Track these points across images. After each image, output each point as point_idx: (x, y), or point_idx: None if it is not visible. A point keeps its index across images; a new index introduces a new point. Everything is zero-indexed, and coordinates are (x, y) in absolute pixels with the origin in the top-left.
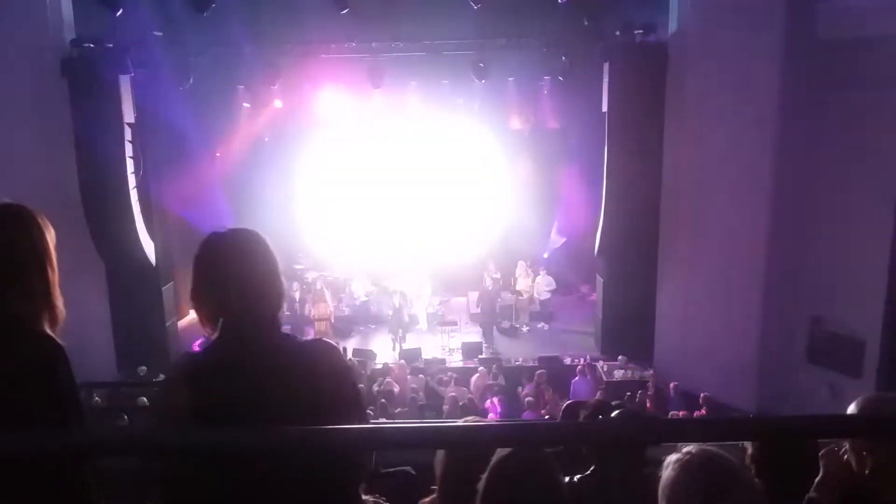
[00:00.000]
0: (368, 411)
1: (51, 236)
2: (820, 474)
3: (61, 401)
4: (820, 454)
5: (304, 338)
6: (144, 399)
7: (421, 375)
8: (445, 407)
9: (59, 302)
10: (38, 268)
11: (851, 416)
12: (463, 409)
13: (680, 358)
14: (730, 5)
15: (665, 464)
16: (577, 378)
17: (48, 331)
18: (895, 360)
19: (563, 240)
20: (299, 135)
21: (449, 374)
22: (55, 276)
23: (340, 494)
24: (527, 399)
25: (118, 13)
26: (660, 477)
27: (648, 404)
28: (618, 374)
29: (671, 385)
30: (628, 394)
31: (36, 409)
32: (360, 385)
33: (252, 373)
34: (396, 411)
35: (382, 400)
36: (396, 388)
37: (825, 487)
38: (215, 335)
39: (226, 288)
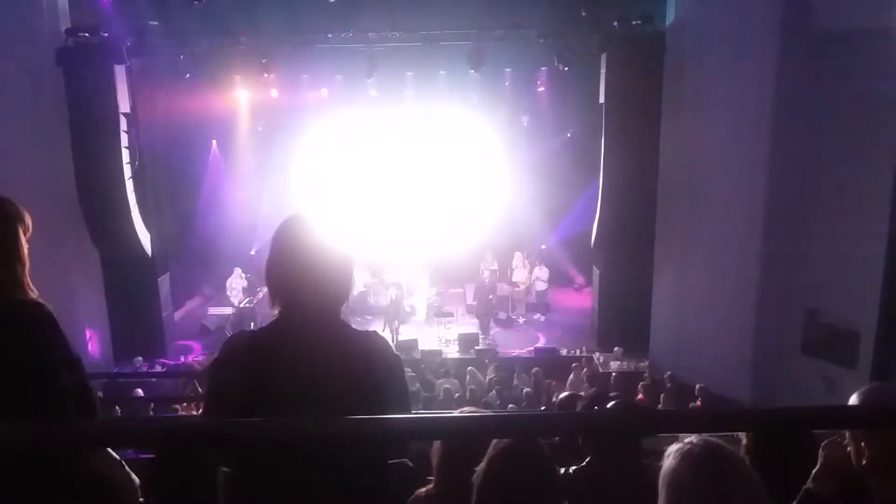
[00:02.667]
0: None
1: (24, 226)
2: (818, 465)
3: (61, 362)
4: (822, 445)
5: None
6: (140, 391)
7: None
8: (440, 398)
9: (31, 286)
10: (17, 244)
11: (846, 406)
12: (459, 400)
13: (676, 349)
14: None
15: (666, 453)
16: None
17: (39, 299)
18: (890, 352)
19: (555, 230)
20: (295, 125)
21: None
22: (27, 265)
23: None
24: (525, 391)
25: (113, 2)
26: (660, 467)
27: (643, 395)
28: (614, 366)
29: (665, 375)
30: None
31: (38, 370)
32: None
33: (309, 356)
34: None
35: None
36: None
37: (823, 478)
38: (277, 314)
39: (301, 268)
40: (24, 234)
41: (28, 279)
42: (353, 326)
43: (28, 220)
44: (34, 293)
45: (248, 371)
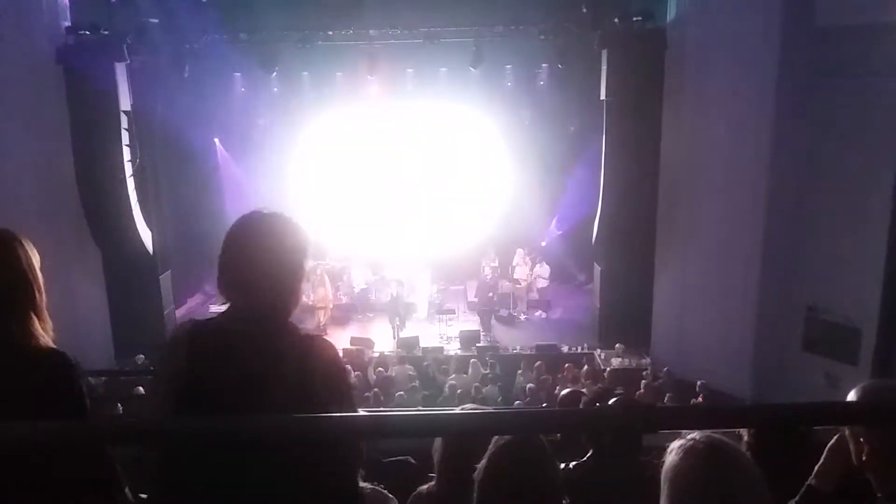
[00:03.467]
0: (367, 395)
1: (35, 257)
2: (821, 461)
3: (84, 408)
4: (829, 443)
5: (305, 331)
6: (141, 388)
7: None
8: (444, 394)
9: (49, 325)
10: (28, 287)
11: (847, 403)
12: (461, 397)
13: (677, 346)
14: None
15: (668, 449)
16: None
17: (52, 344)
18: (891, 348)
19: (556, 226)
20: (296, 122)
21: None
22: (42, 298)
23: (339, 482)
24: (528, 386)
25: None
26: (661, 463)
27: (645, 392)
28: (615, 363)
29: (663, 370)
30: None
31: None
32: (354, 390)
33: (247, 352)
34: (395, 399)
35: (375, 390)
36: (393, 375)
37: (825, 475)
38: (225, 309)
39: (245, 269)
40: (37, 265)
41: (36, 324)
42: (301, 331)
43: (35, 251)
44: (48, 333)
45: (186, 361)
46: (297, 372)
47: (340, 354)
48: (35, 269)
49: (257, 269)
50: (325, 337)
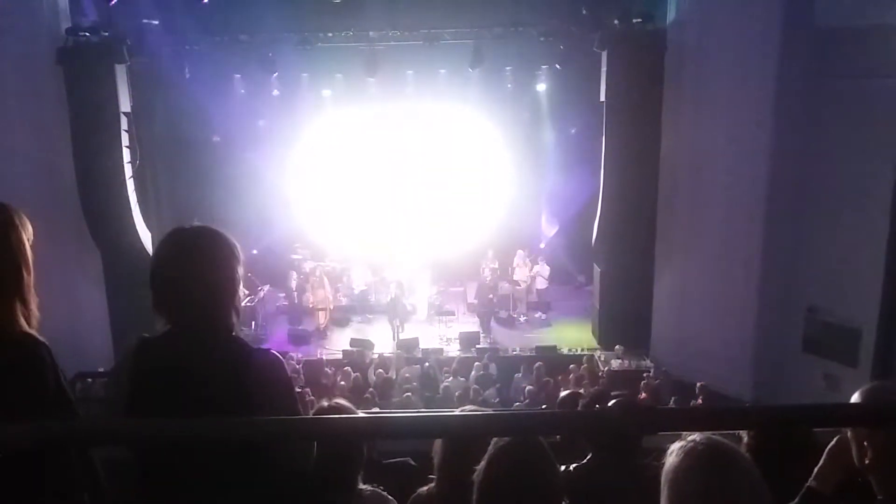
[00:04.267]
0: (366, 396)
1: (27, 234)
2: (821, 463)
3: (49, 399)
4: (830, 444)
5: (259, 345)
6: None
7: (416, 366)
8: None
9: (34, 304)
10: (13, 268)
11: (848, 405)
12: (460, 398)
13: (676, 347)
14: None
15: (668, 451)
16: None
17: (28, 329)
18: (891, 349)
19: (556, 228)
20: (296, 124)
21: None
22: (30, 278)
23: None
24: (527, 389)
25: (114, 2)
26: (661, 465)
27: (644, 394)
28: (615, 364)
29: (657, 371)
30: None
31: (24, 410)
32: (299, 403)
33: (182, 371)
34: (394, 401)
35: (371, 390)
36: (393, 376)
37: (825, 476)
38: (167, 326)
39: (175, 288)
40: (28, 242)
41: (32, 292)
42: (244, 344)
43: (28, 226)
44: (35, 314)
45: (129, 376)
46: (235, 388)
47: (285, 367)
48: (25, 249)
49: (188, 286)
50: (270, 350)
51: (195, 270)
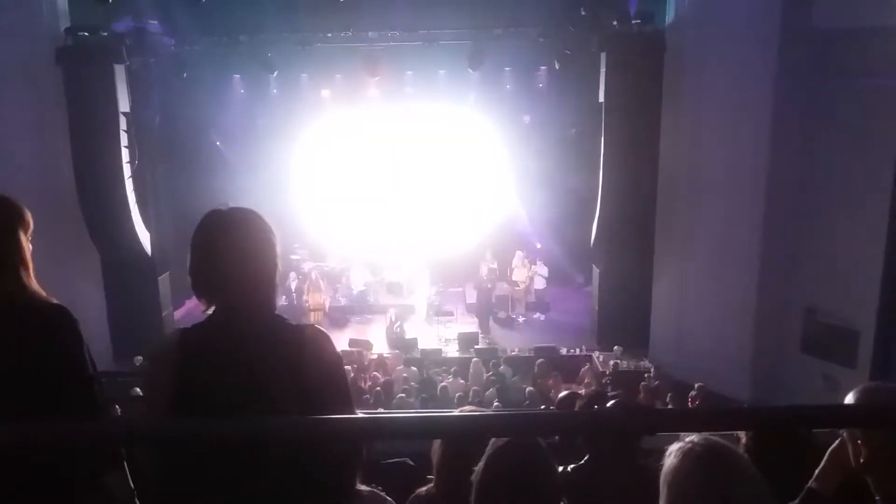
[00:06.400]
0: (366, 398)
1: (25, 225)
2: (822, 464)
3: (81, 365)
4: (832, 445)
5: (293, 322)
6: (138, 390)
7: (413, 368)
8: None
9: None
10: (24, 251)
11: (845, 405)
12: (460, 399)
13: (675, 348)
14: None
15: (668, 452)
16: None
17: (52, 300)
18: (889, 351)
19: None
20: (295, 124)
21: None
22: (31, 266)
23: (336, 484)
24: (528, 390)
25: (113, 1)
26: (660, 466)
27: (643, 394)
28: (611, 365)
29: (661, 372)
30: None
31: (67, 371)
32: (350, 375)
33: (237, 354)
34: (393, 401)
35: (377, 388)
36: (392, 377)
37: (826, 478)
38: (209, 313)
39: (221, 267)
40: (26, 234)
41: (34, 282)
42: (290, 322)
43: (28, 217)
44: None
45: (175, 369)
46: (293, 366)
47: (332, 341)
48: (26, 234)
49: (232, 267)
50: (315, 325)
51: (239, 249)
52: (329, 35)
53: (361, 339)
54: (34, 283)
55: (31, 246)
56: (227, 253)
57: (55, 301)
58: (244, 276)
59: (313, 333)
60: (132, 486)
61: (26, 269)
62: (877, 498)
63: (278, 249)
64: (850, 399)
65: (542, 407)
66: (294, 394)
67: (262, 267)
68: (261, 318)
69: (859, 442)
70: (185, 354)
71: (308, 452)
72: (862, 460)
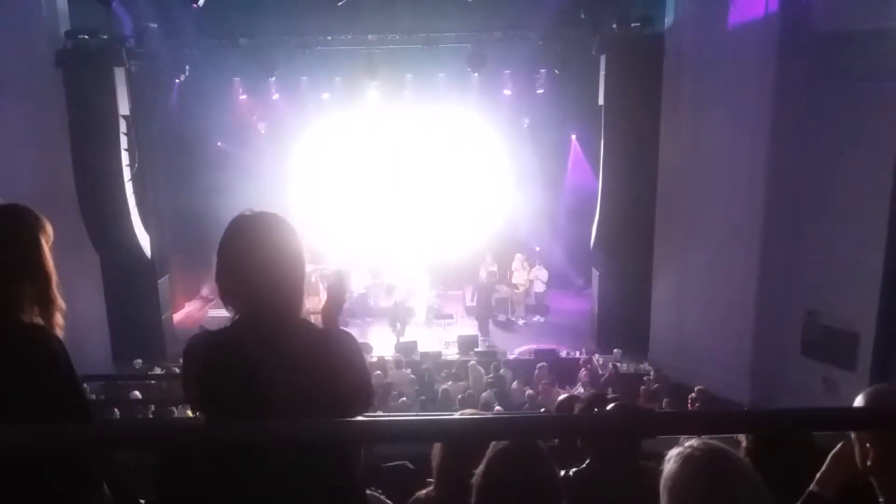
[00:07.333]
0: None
1: (46, 236)
2: (824, 467)
3: (62, 393)
4: (835, 448)
5: (318, 326)
6: (137, 393)
7: (408, 370)
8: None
9: (59, 300)
10: (32, 268)
11: (847, 408)
12: (461, 402)
13: (675, 351)
14: None
15: (667, 457)
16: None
17: (41, 322)
18: (889, 353)
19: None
20: (295, 127)
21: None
22: (48, 283)
23: (341, 485)
24: (528, 393)
25: (113, 4)
26: (660, 470)
27: (643, 397)
28: (610, 367)
29: (661, 375)
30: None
31: (37, 403)
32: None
33: (263, 357)
34: (393, 404)
35: (378, 391)
36: (390, 381)
37: (828, 481)
38: (235, 317)
39: (247, 272)
40: (47, 244)
41: (56, 292)
42: (315, 327)
43: (49, 228)
44: (62, 309)
45: (202, 371)
46: (320, 370)
47: (357, 341)
48: (41, 251)
49: (259, 272)
50: (341, 328)
51: (268, 254)
52: (329, 38)
53: (361, 342)
54: (55, 294)
55: (48, 262)
56: (254, 259)
57: (34, 322)
58: (272, 281)
59: (342, 336)
60: None
61: (48, 279)
62: (881, 500)
63: (306, 254)
64: (859, 402)
65: (542, 410)
66: (317, 395)
67: (288, 273)
68: (286, 323)
69: (867, 444)
70: (209, 359)
71: (316, 455)
72: (869, 462)
